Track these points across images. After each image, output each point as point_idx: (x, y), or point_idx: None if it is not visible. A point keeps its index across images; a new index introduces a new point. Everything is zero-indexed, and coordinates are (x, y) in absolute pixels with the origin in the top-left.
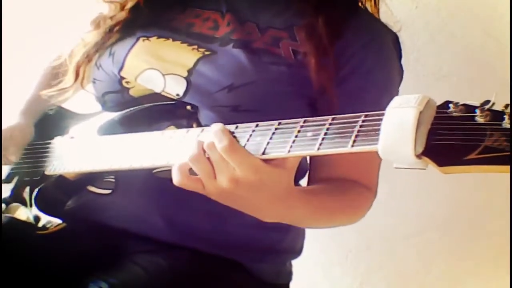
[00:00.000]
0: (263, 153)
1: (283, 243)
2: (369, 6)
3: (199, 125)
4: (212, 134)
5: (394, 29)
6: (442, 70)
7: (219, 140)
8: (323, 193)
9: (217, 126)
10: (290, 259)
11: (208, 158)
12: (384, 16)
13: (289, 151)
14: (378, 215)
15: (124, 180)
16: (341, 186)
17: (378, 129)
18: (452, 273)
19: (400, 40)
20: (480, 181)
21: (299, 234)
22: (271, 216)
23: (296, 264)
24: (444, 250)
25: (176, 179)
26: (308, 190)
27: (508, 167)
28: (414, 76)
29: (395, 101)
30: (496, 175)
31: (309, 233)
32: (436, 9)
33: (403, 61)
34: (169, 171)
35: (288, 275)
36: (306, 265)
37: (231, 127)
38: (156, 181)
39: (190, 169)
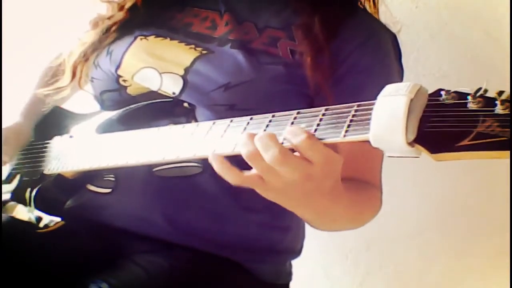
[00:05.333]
0: None
1: (283, 243)
2: (368, 6)
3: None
4: (286, 133)
5: (394, 29)
6: (442, 70)
7: (294, 134)
8: (353, 188)
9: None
10: (290, 259)
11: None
12: (384, 17)
13: (282, 143)
14: (378, 215)
15: (124, 179)
16: (359, 184)
17: (370, 118)
18: (452, 273)
19: (400, 40)
20: (480, 181)
21: (299, 234)
22: (317, 209)
23: (296, 264)
24: (444, 250)
25: (232, 179)
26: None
27: (501, 152)
28: (414, 76)
29: (386, 90)
30: (496, 174)
31: (309, 233)
32: (436, 9)
33: (403, 61)
34: (169, 169)
35: (288, 275)
36: (306, 265)
37: (226, 121)
38: (156, 180)
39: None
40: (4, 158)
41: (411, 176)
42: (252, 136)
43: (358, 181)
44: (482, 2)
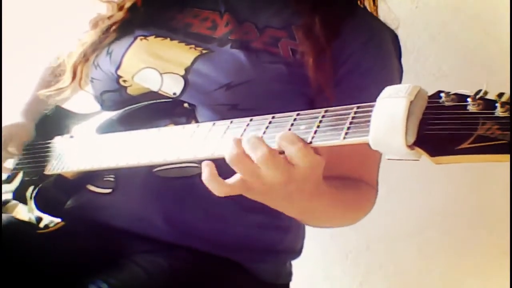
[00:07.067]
0: None
1: (283, 243)
2: (367, 5)
3: (197, 122)
4: (281, 139)
5: (392, 26)
6: (442, 70)
7: (291, 142)
8: (340, 186)
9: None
10: (290, 259)
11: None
12: (382, 14)
13: None
14: (378, 215)
15: (124, 179)
16: (350, 182)
17: (370, 120)
18: (452, 272)
19: (400, 39)
20: (480, 180)
21: (299, 234)
22: (299, 208)
23: (296, 264)
24: (444, 250)
25: (217, 190)
26: (328, 182)
27: (501, 156)
28: (414, 76)
29: (386, 92)
30: (496, 174)
31: (309, 233)
32: (436, 9)
33: (403, 61)
34: (169, 170)
35: (288, 275)
36: (306, 265)
37: (226, 122)
38: (156, 180)
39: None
40: (10, 149)
41: (411, 175)
42: (238, 139)
43: (352, 179)
44: (482, 2)
